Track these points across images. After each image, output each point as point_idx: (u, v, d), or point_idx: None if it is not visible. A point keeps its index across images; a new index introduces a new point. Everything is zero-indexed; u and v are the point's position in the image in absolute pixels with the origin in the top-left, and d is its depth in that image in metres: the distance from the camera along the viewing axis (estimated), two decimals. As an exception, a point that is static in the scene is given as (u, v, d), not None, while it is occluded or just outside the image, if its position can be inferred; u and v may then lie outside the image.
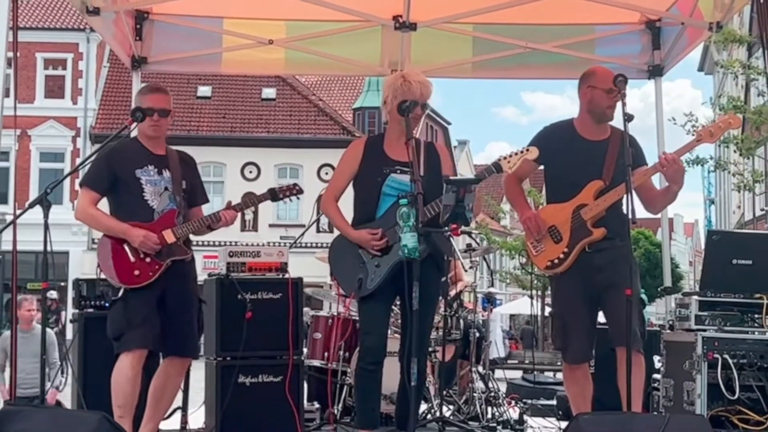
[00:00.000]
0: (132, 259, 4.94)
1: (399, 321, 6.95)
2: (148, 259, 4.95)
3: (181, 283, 5.10)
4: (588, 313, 5.12)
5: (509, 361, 24.71)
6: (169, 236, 4.99)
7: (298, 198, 5.50)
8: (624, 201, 4.70)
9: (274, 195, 5.43)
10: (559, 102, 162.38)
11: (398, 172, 4.97)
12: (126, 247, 4.95)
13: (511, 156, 4.96)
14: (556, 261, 5.10)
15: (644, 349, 5.08)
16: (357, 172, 5.09)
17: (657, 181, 5.35)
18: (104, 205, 5.12)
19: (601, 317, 5.20)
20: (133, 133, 5.24)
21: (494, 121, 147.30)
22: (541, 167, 5.29)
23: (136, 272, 4.93)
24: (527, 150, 4.99)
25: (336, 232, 5.22)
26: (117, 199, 5.08)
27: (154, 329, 4.97)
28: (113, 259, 4.97)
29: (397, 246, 4.80)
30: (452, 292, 7.47)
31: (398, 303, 5.37)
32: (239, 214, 5.36)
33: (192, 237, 5.21)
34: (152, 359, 5.09)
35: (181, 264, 5.08)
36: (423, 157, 4.98)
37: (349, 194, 5.17)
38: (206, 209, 5.39)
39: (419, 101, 4.90)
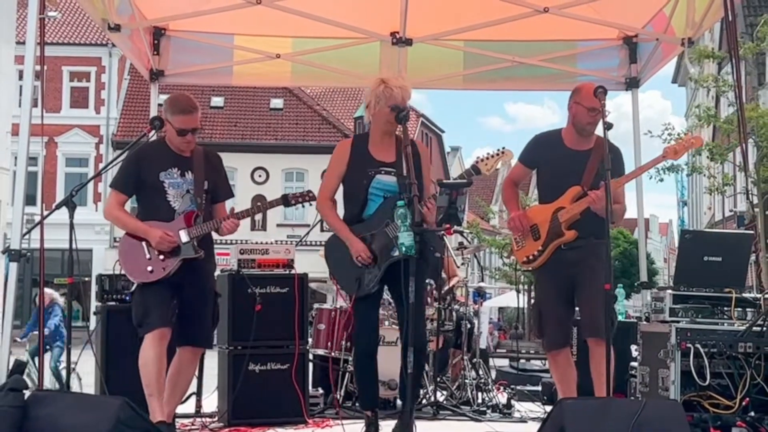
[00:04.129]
0: (147, 256, 4.94)
1: (395, 313, 6.97)
2: (162, 257, 4.93)
3: (196, 278, 5.07)
4: (563, 304, 5.16)
5: (498, 350, 24.70)
6: (184, 236, 4.98)
7: (310, 204, 5.39)
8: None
9: (286, 201, 5.36)
10: (539, 112, 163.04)
11: (383, 172, 4.94)
12: (144, 245, 4.95)
13: (487, 158, 4.97)
14: (531, 257, 5.20)
15: (622, 340, 5.11)
16: (345, 172, 5.04)
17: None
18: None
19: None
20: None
21: (480, 130, 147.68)
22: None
23: (149, 269, 4.93)
24: (502, 153, 4.99)
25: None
26: (142, 199, 5.09)
27: (171, 311, 4.95)
28: (130, 256, 4.99)
29: (389, 247, 4.80)
30: (446, 287, 7.48)
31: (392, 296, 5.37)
32: (249, 216, 5.33)
33: (214, 235, 5.18)
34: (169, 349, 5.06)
35: (196, 261, 5.05)
36: (405, 155, 4.95)
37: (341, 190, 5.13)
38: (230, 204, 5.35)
39: (401, 106, 4.86)
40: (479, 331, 7.81)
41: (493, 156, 4.97)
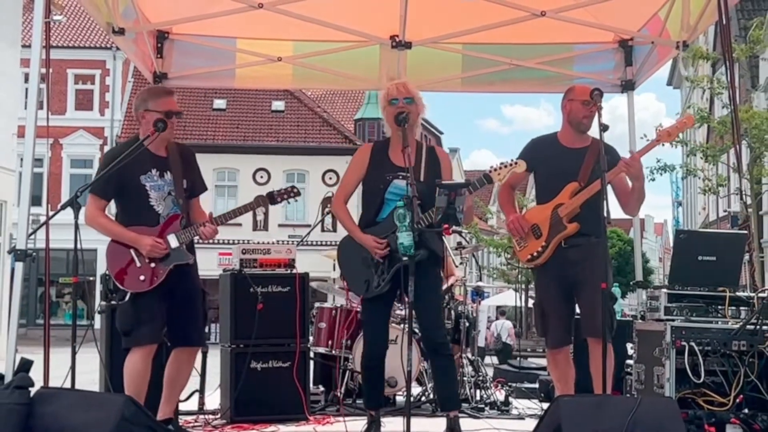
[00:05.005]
0: (138, 264, 4.79)
1: (395, 312, 6.97)
2: (152, 264, 4.80)
3: (185, 279, 4.95)
4: (565, 302, 5.15)
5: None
6: (173, 242, 4.86)
7: (295, 200, 5.27)
8: (600, 201, 4.73)
9: (272, 199, 5.17)
10: (535, 114, 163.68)
11: (400, 177, 4.93)
12: (132, 252, 4.80)
13: (500, 168, 4.89)
14: (535, 254, 5.17)
15: (618, 338, 5.10)
16: (364, 176, 5.06)
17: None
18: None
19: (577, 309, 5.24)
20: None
21: (478, 132, 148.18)
22: (532, 174, 5.35)
23: (141, 277, 4.78)
24: (515, 163, 4.92)
25: (341, 232, 5.20)
26: (124, 204, 4.94)
27: (161, 324, 4.87)
28: (119, 264, 4.82)
29: (397, 251, 4.78)
30: (444, 286, 7.47)
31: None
32: (251, 213, 5.27)
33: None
34: (159, 350, 4.98)
35: (185, 265, 4.95)
36: (424, 162, 4.96)
37: (357, 193, 5.16)
38: (220, 205, 5.30)
39: (399, 97, 4.92)
40: (477, 330, 7.81)
41: (505, 167, 4.88)
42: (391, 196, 4.94)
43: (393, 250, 4.84)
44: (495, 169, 4.88)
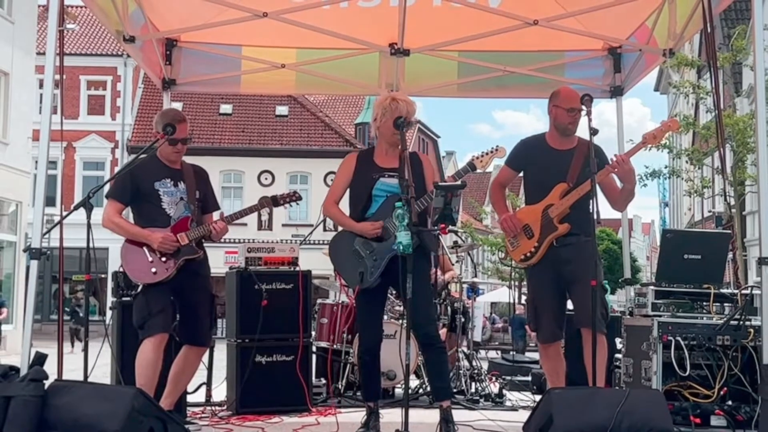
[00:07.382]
0: (150, 259, 4.93)
1: (394, 307, 6.98)
2: (164, 259, 4.93)
3: (194, 281, 5.07)
4: (557, 299, 5.14)
5: (490, 343, 24.73)
6: (183, 239, 4.98)
7: (297, 204, 5.48)
8: (589, 201, 4.72)
9: (275, 202, 5.38)
10: (525, 119, 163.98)
11: (386, 176, 4.95)
12: (145, 249, 4.95)
13: (482, 156, 4.99)
14: (528, 254, 5.16)
15: (607, 332, 5.09)
16: (351, 180, 5.07)
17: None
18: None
19: (569, 304, 5.23)
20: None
21: (470, 136, 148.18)
22: (521, 174, 5.34)
23: (153, 270, 4.92)
24: (496, 149, 5.01)
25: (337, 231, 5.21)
26: (139, 208, 5.09)
27: (172, 317, 4.97)
28: (133, 261, 4.97)
29: (389, 241, 4.80)
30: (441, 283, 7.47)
31: (393, 292, 5.37)
32: (256, 214, 5.35)
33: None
34: (170, 344, 5.04)
35: (194, 263, 5.05)
36: (402, 158, 4.95)
37: (346, 196, 5.17)
38: (227, 206, 5.36)
39: (406, 118, 4.87)
40: (473, 325, 7.81)
41: (487, 153, 5.02)
42: (378, 192, 4.96)
43: (387, 236, 4.84)
44: (478, 157, 4.98)
